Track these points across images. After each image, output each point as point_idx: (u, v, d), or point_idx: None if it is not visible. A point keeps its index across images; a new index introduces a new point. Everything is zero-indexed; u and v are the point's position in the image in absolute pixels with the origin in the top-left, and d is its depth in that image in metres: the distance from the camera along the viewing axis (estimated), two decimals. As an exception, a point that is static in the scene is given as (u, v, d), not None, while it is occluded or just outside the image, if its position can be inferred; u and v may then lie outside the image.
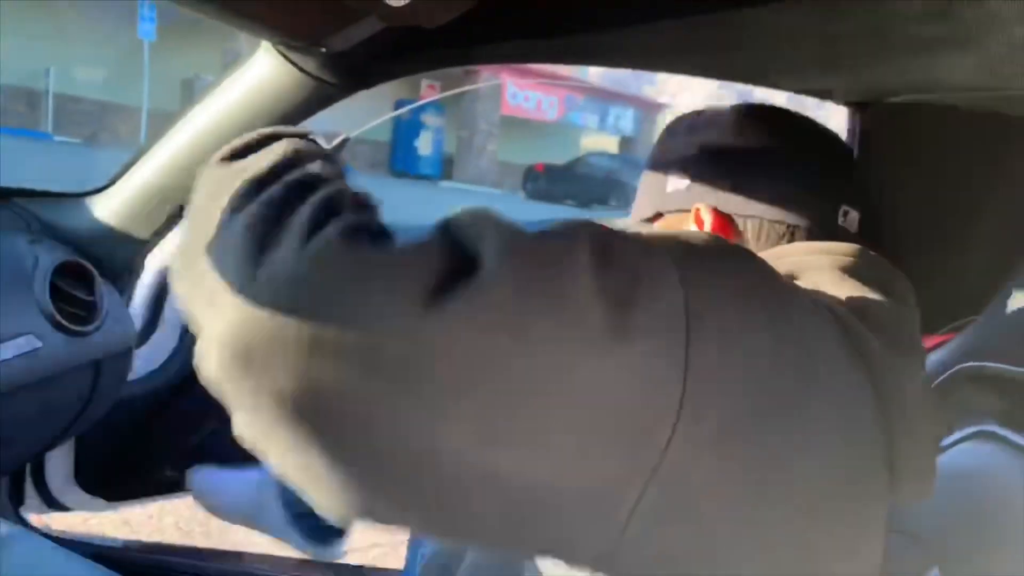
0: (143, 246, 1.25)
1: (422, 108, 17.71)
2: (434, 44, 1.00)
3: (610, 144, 23.35)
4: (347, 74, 1.06)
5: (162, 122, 1.21)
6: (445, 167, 18.45)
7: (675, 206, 0.75)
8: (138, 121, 12.75)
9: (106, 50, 12.43)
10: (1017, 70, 0.81)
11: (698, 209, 0.73)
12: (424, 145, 17.87)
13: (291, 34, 0.96)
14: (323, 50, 0.98)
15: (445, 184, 17.65)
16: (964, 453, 0.82)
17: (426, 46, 1.01)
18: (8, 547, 0.83)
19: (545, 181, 18.40)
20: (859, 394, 0.53)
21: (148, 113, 12.83)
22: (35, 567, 0.82)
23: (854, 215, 0.72)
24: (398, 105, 17.95)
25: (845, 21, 0.77)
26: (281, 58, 1.04)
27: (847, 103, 1.08)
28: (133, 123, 12.78)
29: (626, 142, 23.13)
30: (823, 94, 1.08)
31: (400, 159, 17.66)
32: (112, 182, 1.26)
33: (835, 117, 1.05)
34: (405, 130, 17.82)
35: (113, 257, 1.24)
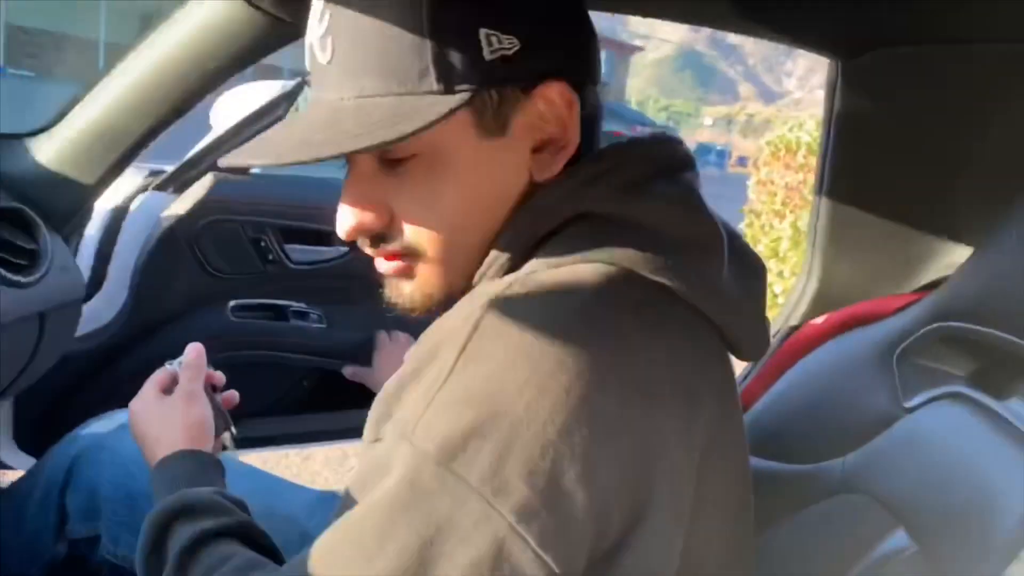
0: (90, 191, 1.19)
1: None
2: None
3: (582, 87, 23.01)
4: (305, 12, 1.00)
5: (119, 56, 1.14)
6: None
7: (505, 81, 0.57)
8: (95, 54, 12.33)
9: (60, -21, 11.94)
10: (1010, 22, 0.78)
11: (555, 86, 0.58)
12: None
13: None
14: (278, -15, 0.92)
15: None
16: (933, 414, 0.81)
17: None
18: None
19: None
20: None
21: (105, 46, 12.41)
22: None
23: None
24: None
25: None
26: (234, -7, 0.98)
27: (828, 54, 1.04)
28: (90, 56, 12.36)
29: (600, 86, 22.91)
30: (804, 43, 1.04)
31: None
32: (55, 121, 1.18)
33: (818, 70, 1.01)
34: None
35: (57, 203, 1.17)
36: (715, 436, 0.56)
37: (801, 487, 0.88)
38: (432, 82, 0.54)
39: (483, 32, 0.54)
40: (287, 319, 1.61)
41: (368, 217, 0.59)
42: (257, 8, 0.99)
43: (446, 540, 0.46)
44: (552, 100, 0.58)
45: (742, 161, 24.53)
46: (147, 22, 1.26)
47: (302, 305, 1.63)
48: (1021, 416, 0.73)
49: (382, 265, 0.62)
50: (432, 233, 0.58)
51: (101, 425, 1.02)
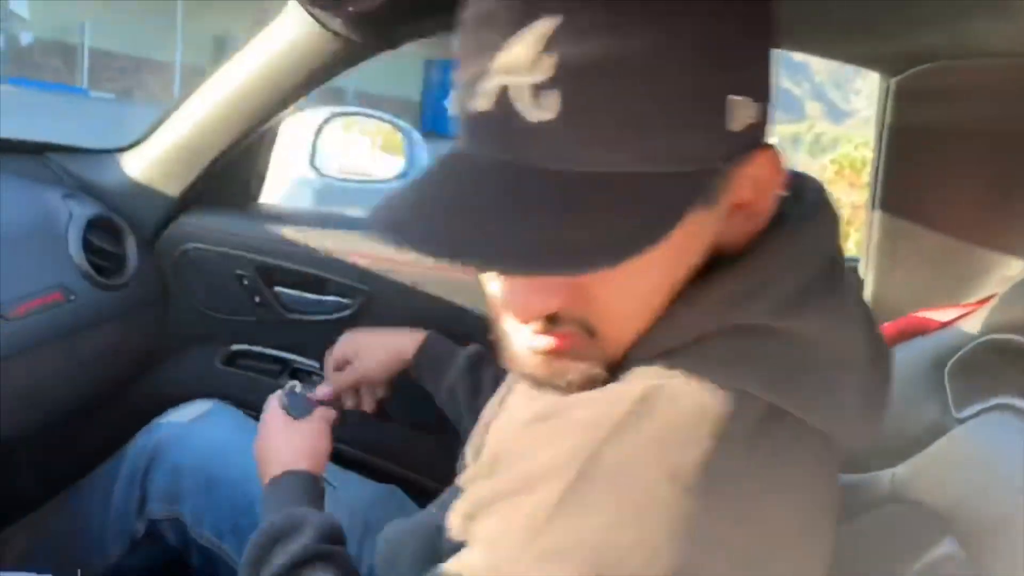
0: (174, 204, 1.27)
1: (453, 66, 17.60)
2: (458, 3, 1.00)
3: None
4: (373, 33, 1.06)
5: (194, 78, 1.22)
6: (475, 128, 18.36)
7: (741, 147, 0.47)
8: (171, 77, 12.81)
9: (141, 5, 12.44)
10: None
11: (769, 152, 0.49)
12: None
13: (316, -7, 0.96)
14: (349, 8, 0.98)
15: (475, 145, 17.58)
16: (983, 425, 0.81)
17: (451, 4, 1.00)
18: None
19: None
20: None
21: (181, 69, 12.89)
22: None
23: None
24: (428, 66, 17.89)
25: None
26: (308, 16, 1.05)
27: (878, 68, 1.06)
28: (166, 79, 12.85)
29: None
30: (854, 59, 1.06)
31: (431, 119, 17.60)
32: (143, 138, 1.27)
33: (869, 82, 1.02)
34: (436, 90, 17.73)
35: (144, 214, 1.26)
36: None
37: (851, 497, 0.88)
38: (677, 159, 0.44)
39: (730, 98, 0.44)
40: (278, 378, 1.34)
41: (558, 301, 0.48)
42: (329, 31, 1.05)
43: None
44: (763, 167, 0.49)
45: (807, 180, 23.90)
46: (220, 44, 1.33)
47: (311, 364, 1.33)
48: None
49: (540, 341, 0.51)
50: (625, 315, 0.50)
51: (182, 414, 1.09)
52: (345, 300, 1.27)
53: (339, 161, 1.81)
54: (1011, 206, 0.98)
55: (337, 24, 1.04)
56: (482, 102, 0.44)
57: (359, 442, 1.27)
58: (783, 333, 0.49)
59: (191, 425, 1.06)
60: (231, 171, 1.30)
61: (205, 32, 12.70)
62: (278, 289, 1.31)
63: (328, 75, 1.15)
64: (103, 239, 1.16)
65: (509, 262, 0.43)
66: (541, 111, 0.42)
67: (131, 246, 1.21)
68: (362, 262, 1.25)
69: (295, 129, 1.56)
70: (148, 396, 1.14)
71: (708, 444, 0.45)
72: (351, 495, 1.02)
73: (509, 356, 0.54)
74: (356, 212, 1.57)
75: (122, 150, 1.29)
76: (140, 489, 1.02)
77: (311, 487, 0.81)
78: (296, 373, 1.33)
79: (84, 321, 1.09)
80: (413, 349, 1.02)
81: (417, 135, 1.73)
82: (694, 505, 0.43)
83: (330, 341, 1.31)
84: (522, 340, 0.52)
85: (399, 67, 15.99)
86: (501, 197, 0.43)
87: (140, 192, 1.25)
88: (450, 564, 0.51)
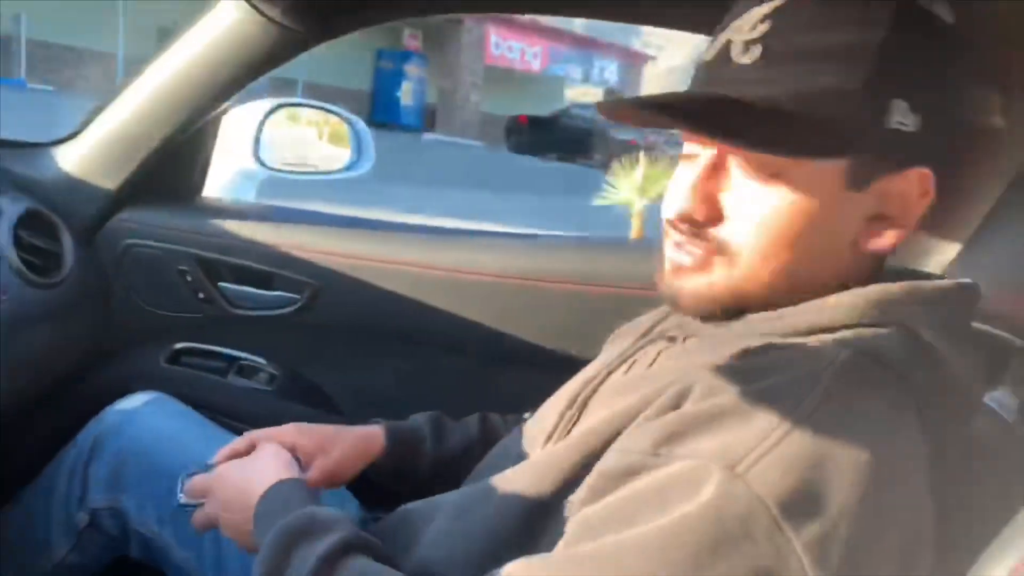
0: (112, 198, 1.23)
1: (405, 58, 17.47)
2: (402, -9, 0.99)
3: (595, 96, 23.13)
4: (315, 22, 1.04)
5: (138, 70, 1.18)
6: (427, 118, 18.25)
7: (893, 151, 0.59)
8: (114, 68, 12.49)
9: (80, -5, 12.12)
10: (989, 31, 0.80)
11: (923, 173, 0.60)
12: (406, 95, 17.65)
13: (255, -20, 0.94)
14: (288, -4, 0.96)
15: (428, 136, 17.48)
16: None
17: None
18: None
19: (528, 133, 18.23)
20: None
21: (124, 60, 12.57)
22: None
23: None
24: (379, 56, 17.75)
25: None
26: (245, 4, 1.02)
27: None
28: (109, 70, 12.52)
29: (611, 94, 22.94)
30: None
31: (381, 109, 17.45)
32: (78, 131, 1.23)
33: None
34: (387, 80, 17.58)
35: (81, 209, 1.22)
36: None
37: None
38: (839, 125, 0.56)
39: (896, 102, 0.56)
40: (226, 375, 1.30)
41: (704, 208, 0.61)
42: (268, 19, 1.03)
43: None
44: (912, 184, 0.60)
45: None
46: (165, 35, 1.30)
47: (257, 359, 1.30)
48: (1005, 405, 0.75)
49: (677, 253, 0.64)
50: (754, 241, 0.60)
51: (127, 403, 1.06)
52: (292, 295, 1.25)
53: (285, 153, 1.77)
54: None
55: (276, 12, 1.02)
56: (710, 52, 0.61)
57: None
58: (943, 361, 0.59)
59: (134, 413, 1.04)
60: (172, 164, 1.27)
61: (149, 22, 12.39)
62: (223, 284, 1.28)
63: (269, 65, 1.13)
64: (37, 236, 1.12)
65: (722, 135, 0.57)
66: (746, 57, 0.58)
67: (67, 243, 1.17)
68: (308, 256, 1.23)
69: (239, 121, 1.52)
70: (92, 395, 1.11)
71: (910, 403, 0.57)
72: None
73: (659, 279, 0.67)
74: (302, 205, 1.55)
75: (57, 143, 1.24)
76: (82, 479, 1.00)
77: (308, 490, 0.78)
78: (243, 369, 1.31)
79: (19, 320, 1.05)
80: (381, 441, 0.92)
81: (363, 125, 1.71)
82: (912, 445, 0.56)
83: (277, 337, 1.29)
84: (668, 255, 0.65)
85: (350, 57, 15.79)
86: (713, 106, 0.58)
87: (76, 186, 1.21)
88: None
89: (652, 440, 0.55)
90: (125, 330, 1.30)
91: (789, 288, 0.61)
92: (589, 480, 0.59)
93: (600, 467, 0.59)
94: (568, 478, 0.63)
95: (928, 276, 0.70)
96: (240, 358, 1.31)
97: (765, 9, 0.58)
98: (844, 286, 0.61)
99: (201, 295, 1.28)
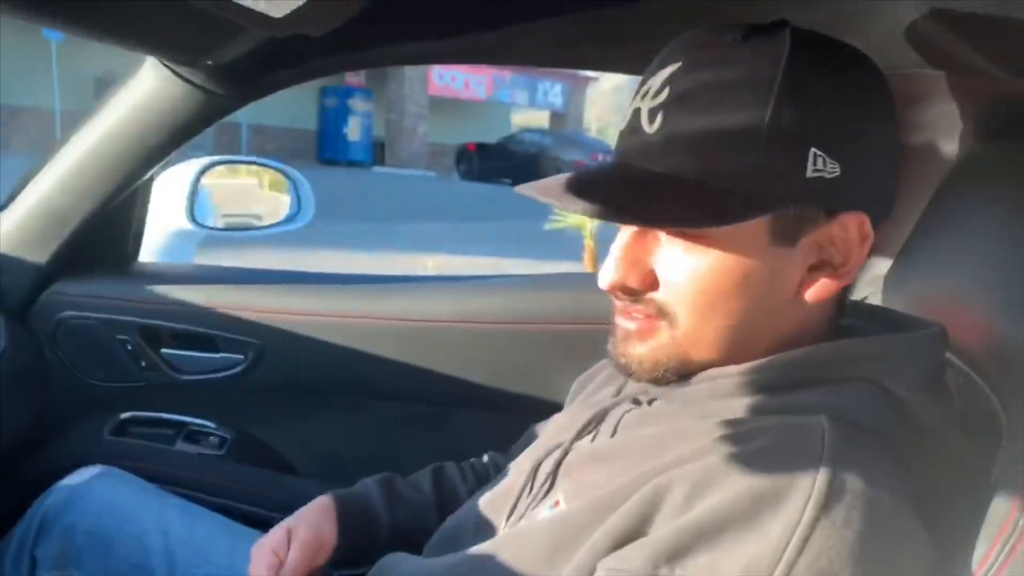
0: (43, 271, 1.20)
1: (349, 93, 17.44)
2: (325, 51, 0.98)
3: (541, 119, 23.35)
4: (238, 85, 1.03)
5: (77, 123, 1.16)
6: (376, 152, 18.23)
7: (815, 202, 0.57)
8: (51, 123, 12.27)
9: (11, 52, 11.90)
10: (900, 54, 0.82)
11: (857, 217, 0.58)
12: (353, 131, 17.61)
13: (173, 50, 0.93)
14: (208, 63, 0.95)
15: (378, 169, 17.46)
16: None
17: (316, 53, 0.98)
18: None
19: (478, 160, 18.33)
20: None
21: (61, 114, 12.37)
22: None
23: None
24: (323, 94, 17.71)
25: (731, 10, 0.77)
26: (167, 71, 1.01)
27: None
28: (47, 126, 12.30)
29: (556, 117, 23.17)
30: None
31: (329, 147, 17.40)
32: (8, 203, 1.20)
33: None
34: (332, 117, 17.53)
35: (12, 284, 1.19)
36: None
37: None
38: (751, 187, 0.55)
39: (812, 151, 0.55)
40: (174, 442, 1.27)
41: (634, 276, 0.61)
42: (191, 84, 1.02)
43: None
44: (849, 230, 0.58)
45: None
46: (102, 86, 1.27)
47: (206, 424, 1.27)
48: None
49: (624, 320, 0.64)
50: (690, 302, 0.59)
51: (73, 478, 1.03)
52: (236, 356, 1.23)
53: (228, 205, 1.75)
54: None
55: (199, 77, 1.01)
56: (625, 121, 0.61)
57: (255, 495, 1.23)
58: (914, 416, 0.58)
59: (82, 488, 1.01)
60: (104, 232, 1.24)
61: (85, 73, 12.23)
62: (165, 351, 1.25)
63: (198, 127, 1.11)
64: (-35, 317, 1.09)
65: (613, 214, 0.58)
66: (652, 126, 0.57)
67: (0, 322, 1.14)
68: (250, 315, 1.21)
69: (170, 181, 1.49)
70: (38, 473, 1.07)
71: (897, 470, 0.56)
72: (247, 548, 0.98)
73: (611, 348, 0.65)
74: (248, 254, 1.53)
75: (-18, 215, 1.21)
76: (29, 560, 0.97)
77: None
78: (192, 435, 1.28)
79: None
80: (332, 540, 0.86)
81: (298, 175, 1.70)
82: (912, 523, 0.53)
83: (224, 399, 1.26)
84: (617, 322, 0.64)
85: (294, 98, 15.72)
86: (617, 180, 0.60)
87: (5, 263, 1.18)
88: None
89: (649, 558, 0.52)
90: (67, 404, 1.27)
91: (739, 343, 0.60)
92: None
93: None
94: (540, 560, 0.61)
95: (893, 316, 0.70)
96: (188, 423, 1.28)
97: (665, 73, 0.58)
98: (801, 338, 0.61)
99: (143, 363, 1.25)
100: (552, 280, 1.35)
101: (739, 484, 0.52)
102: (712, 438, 0.57)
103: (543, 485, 0.69)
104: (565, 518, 0.62)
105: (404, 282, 1.32)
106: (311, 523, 0.85)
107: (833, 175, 0.55)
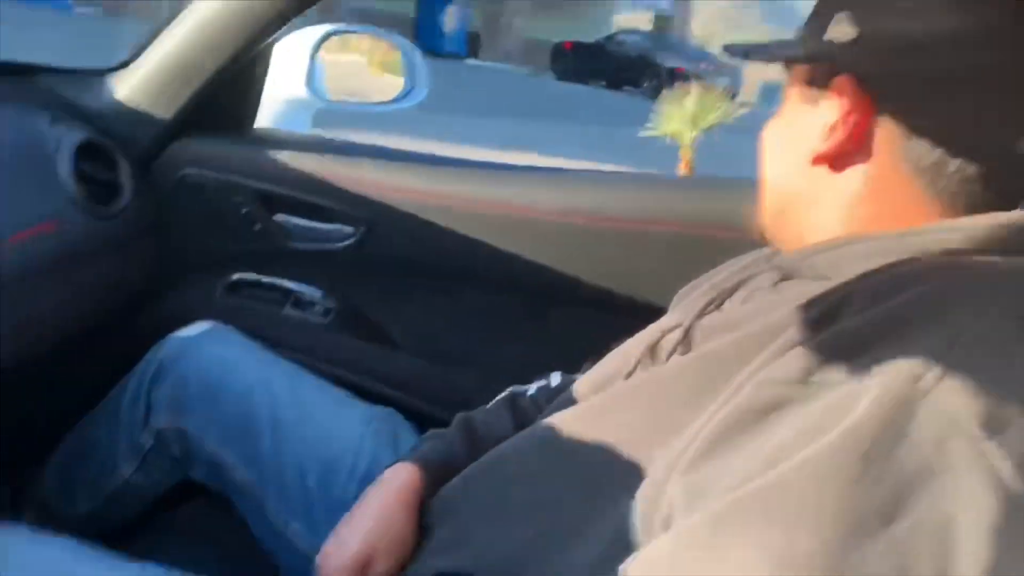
0: (168, 126, 1.22)
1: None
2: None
3: (643, 22, 22.45)
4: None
5: None
6: (471, 45, 17.92)
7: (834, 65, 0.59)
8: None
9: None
10: None
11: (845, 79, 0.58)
12: (450, 21, 17.31)
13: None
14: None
15: (471, 62, 17.20)
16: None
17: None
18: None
19: (574, 60, 17.87)
20: None
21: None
22: None
23: None
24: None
25: None
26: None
27: None
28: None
29: (661, 21, 22.22)
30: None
31: (425, 35, 17.17)
32: (133, 58, 1.21)
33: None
34: (430, 5, 17.23)
35: (137, 137, 1.21)
36: None
37: None
38: (800, 41, 0.64)
39: (839, 15, 0.59)
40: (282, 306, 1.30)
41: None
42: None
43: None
44: (842, 94, 0.58)
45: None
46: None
47: (313, 291, 1.30)
48: None
49: None
50: (766, 174, 0.68)
51: (187, 332, 1.08)
52: (348, 228, 1.24)
53: (334, 82, 1.74)
54: None
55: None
56: None
57: (356, 366, 1.26)
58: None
59: (194, 341, 1.06)
60: (226, 93, 1.25)
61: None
62: (279, 216, 1.27)
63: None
64: (95, 166, 1.12)
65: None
66: None
67: (125, 172, 1.17)
68: (365, 190, 1.21)
69: (289, 49, 1.48)
70: (151, 326, 1.12)
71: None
72: (349, 413, 1.02)
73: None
74: (350, 136, 1.53)
75: (111, 71, 1.23)
76: (145, 402, 1.02)
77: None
78: (299, 302, 1.31)
79: (80, 251, 1.06)
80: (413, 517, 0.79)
81: (417, 53, 1.66)
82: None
83: (333, 270, 1.28)
84: None
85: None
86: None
87: (132, 115, 1.20)
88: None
89: (803, 367, 0.49)
90: (182, 261, 1.31)
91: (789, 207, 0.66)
92: (721, 415, 0.52)
93: (738, 402, 0.52)
94: (687, 399, 0.58)
95: None
96: (296, 291, 1.31)
97: None
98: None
99: (257, 226, 1.27)
100: (664, 181, 1.31)
101: (900, 297, 0.50)
102: (865, 278, 0.54)
103: (678, 339, 0.67)
104: (714, 353, 0.59)
105: (516, 170, 1.30)
106: (392, 539, 0.77)
107: (846, 39, 0.61)
